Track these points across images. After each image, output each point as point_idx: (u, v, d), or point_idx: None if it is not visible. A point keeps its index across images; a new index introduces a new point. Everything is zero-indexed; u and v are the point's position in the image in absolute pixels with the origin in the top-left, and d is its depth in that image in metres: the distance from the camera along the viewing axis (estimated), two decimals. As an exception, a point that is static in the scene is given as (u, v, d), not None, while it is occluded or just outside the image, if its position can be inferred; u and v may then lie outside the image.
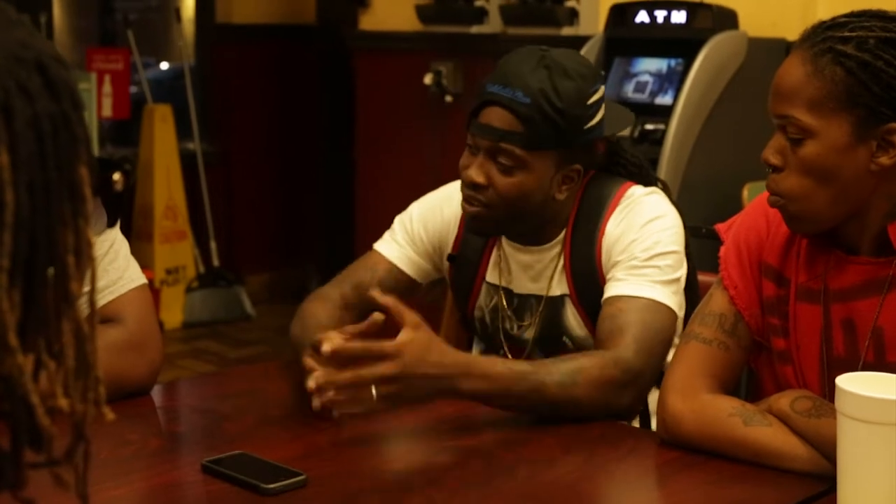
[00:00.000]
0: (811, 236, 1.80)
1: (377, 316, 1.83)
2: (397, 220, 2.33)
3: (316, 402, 1.79)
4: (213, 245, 6.30)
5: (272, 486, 1.61)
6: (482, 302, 2.27)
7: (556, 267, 2.17)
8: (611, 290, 2.05)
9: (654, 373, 1.99)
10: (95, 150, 5.23)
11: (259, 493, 1.60)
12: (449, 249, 2.29)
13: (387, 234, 2.32)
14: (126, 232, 6.77)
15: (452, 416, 1.92)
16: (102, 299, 2.02)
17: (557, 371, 1.92)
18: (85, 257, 0.87)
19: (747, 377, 2.09)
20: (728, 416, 1.76)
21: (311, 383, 1.77)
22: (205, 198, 6.27)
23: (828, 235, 1.80)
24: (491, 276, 2.25)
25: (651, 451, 1.83)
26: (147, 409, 2.00)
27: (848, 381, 1.50)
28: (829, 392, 1.71)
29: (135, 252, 6.30)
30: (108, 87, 5.78)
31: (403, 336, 1.80)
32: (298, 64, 6.58)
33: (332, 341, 1.78)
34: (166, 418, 2.04)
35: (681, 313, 2.06)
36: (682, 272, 2.08)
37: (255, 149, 6.61)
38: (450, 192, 2.30)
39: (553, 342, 2.17)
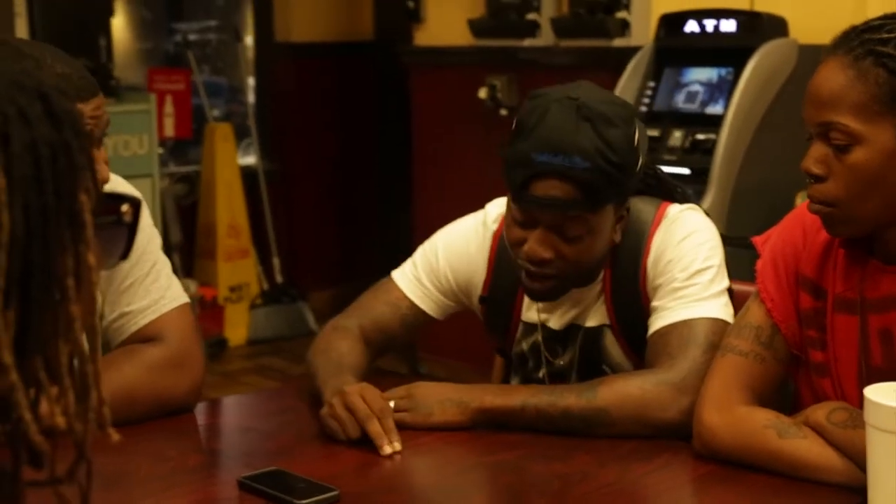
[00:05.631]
0: (849, 244, 1.79)
1: None
2: (420, 252, 2.22)
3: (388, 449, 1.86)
4: (275, 262, 6.35)
5: (305, 501, 1.63)
6: (520, 338, 2.20)
7: (597, 298, 2.11)
8: (655, 324, 2.01)
9: None
10: (156, 170, 5.30)
11: (291, 508, 1.62)
12: (479, 291, 2.20)
13: (408, 267, 2.22)
14: (189, 250, 6.76)
15: (484, 433, 1.93)
16: (144, 318, 2.06)
17: (580, 385, 1.95)
18: (86, 281, 0.88)
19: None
20: (763, 428, 1.75)
21: (388, 449, 1.85)
22: (267, 215, 6.32)
23: (864, 245, 1.78)
24: (527, 315, 2.18)
25: (686, 464, 1.82)
26: (189, 426, 2.03)
27: (876, 392, 1.49)
28: (867, 404, 1.70)
29: (198, 270, 6.33)
30: (169, 107, 5.85)
31: None
32: (356, 80, 6.62)
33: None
34: (207, 435, 2.06)
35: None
36: (726, 283, 2.04)
37: (316, 165, 6.66)
38: (475, 227, 2.20)
39: (592, 370, 2.12)
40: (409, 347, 5.38)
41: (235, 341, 6.11)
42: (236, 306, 6.14)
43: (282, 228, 6.46)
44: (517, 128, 1.97)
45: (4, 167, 0.83)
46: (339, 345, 2.13)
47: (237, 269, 6.14)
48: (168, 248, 5.61)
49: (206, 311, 5.88)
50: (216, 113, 6.69)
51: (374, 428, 1.84)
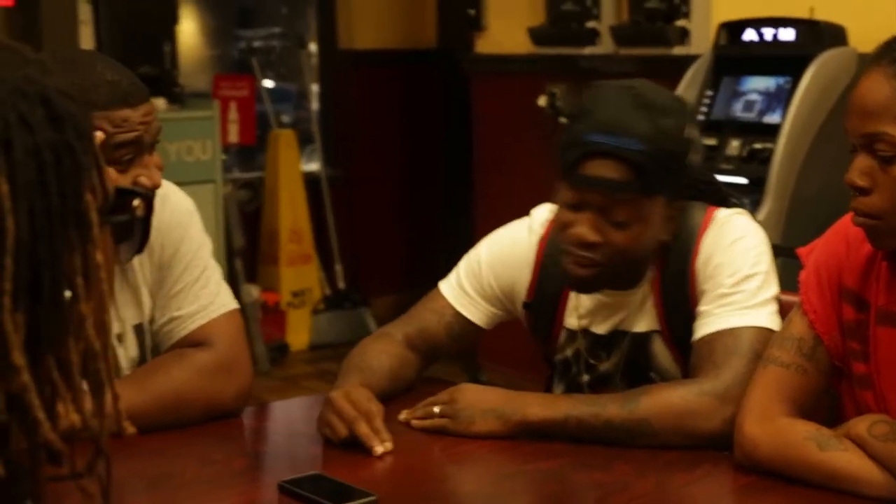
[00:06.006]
0: (892, 257, 1.78)
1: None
2: (465, 262, 2.22)
3: (379, 449, 1.87)
4: (338, 268, 6.39)
5: (343, 506, 1.65)
6: (563, 344, 2.19)
7: (643, 303, 2.10)
8: (700, 330, 2.00)
9: None
10: (219, 176, 5.36)
11: (330, 513, 1.64)
12: (523, 296, 2.19)
13: (453, 277, 2.22)
14: (252, 256, 6.77)
15: (526, 441, 1.93)
16: (193, 323, 2.09)
17: (622, 395, 1.94)
18: (95, 280, 0.90)
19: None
20: (804, 440, 1.74)
21: (379, 449, 1.87)
22: (329, 221, 6.37)
23: (908, 257, 1.77)
24: (570, 321, 2.17)
25: (727, 475, 1.82)
26: (236, 430, 2.06)
27: (913, 406, 1.48)
28: (909, 417, 1.69)
29: (261, 275, 6.35)
30: (233, 114, 5.90)
31: None
32: (420, 87, 6.65)
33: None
34: (253, 439, 2.09)
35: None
36: (774, 290, 2.03)
37: (378, 171, 6.69)
38: (519, 233, 2.20)
39: (639, 377, 2.10)
40: (469, 356, 5.39)
41: (297, 346, 6.15)
42: (299, 311, 6.18)
43: (344, 234, 6.50)
44: (574, 114, 2.00)
45: (7, 173, 0.85)
46: (369, 348, 2.16)
47: (300, 274, 6.19)
48: (230, 254, 5.68)
49: (268, 315, 5.94)
50: (285, 119, 6.74)
51: (362, 429, 1.87)
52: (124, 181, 1.83)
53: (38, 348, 0.87)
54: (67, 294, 0.88)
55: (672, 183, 1.99)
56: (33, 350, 0.86)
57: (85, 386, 0.92)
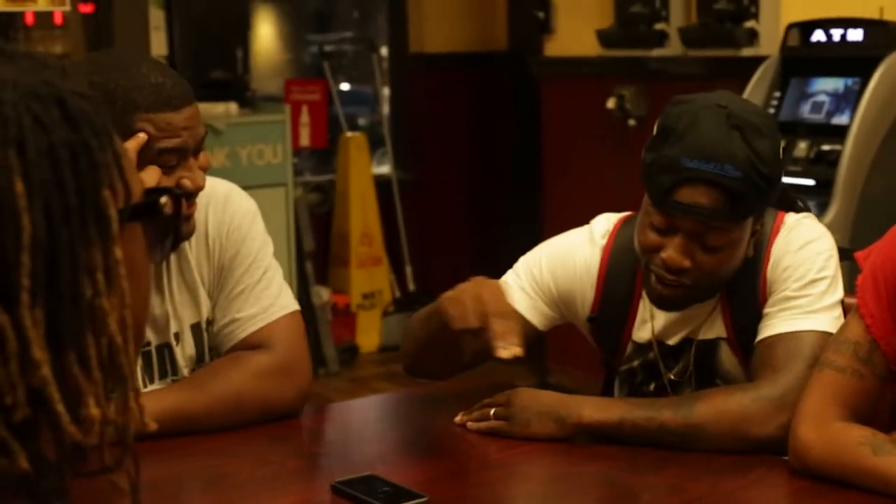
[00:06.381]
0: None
1: None
2: (523, 263, 2.19)
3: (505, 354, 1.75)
4: (408, 270, 6.42)
5: (393, 508, 1.67)
6: (631, 355, 2.16)
7: (712, 311, 2.08)
8: (763, 332, 1.99)
9: None
10: (290, 179, 5.40)
11: (381, 513, 1.66)
12: (587, 309, 2.16)
13: (511, 277, 2.19)
14: (324, 258, 6.78)
15: (578, 444, 1.93)
16: (254, 325, 2.10)
17: (677, 399, 1.94)
18: (115, 275, 0.92)
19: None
20: (858, 444, 1.73)
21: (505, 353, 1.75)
22: (400, 223, 6.40)
23: (966, 261, 1.75)
24: (638, 334, 2.14)
25: (781, 479, 1.81)
26: (293, 431, 2.08)
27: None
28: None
29: (332, 277, 6.34)
30: (305, 118, 5.95)
31: None
32: (490, 90, 6.66)
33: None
34: (310, 440, 2.11)
35: None
36: (838, 295, 2.01)
37: (450, 174, 6.71)
38: (581, 243, 2.16)
39: (704, 383, 2.08)
40: (536, 359, 5.39)
41: (367, 348, 6.19)
42: (369, 313, 6.22)
43: (414, 236, 6.53)
44: (662, 133, 1.95)
45: (23, 173, 0.87)
46: None
47: (370, 276, 6.23)
48: (301, 256, 5.73)
49: (338, 317, 5.98)
50: (361, 122, 6.78)
51: (497, 326, 1.77)
52: (168, 183, 1.86)
53: (59, 343, 0.89)
54: (88, 290, 0.90)
55: (764, 204, 1.98)
56: (55, 345, 0.88)
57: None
